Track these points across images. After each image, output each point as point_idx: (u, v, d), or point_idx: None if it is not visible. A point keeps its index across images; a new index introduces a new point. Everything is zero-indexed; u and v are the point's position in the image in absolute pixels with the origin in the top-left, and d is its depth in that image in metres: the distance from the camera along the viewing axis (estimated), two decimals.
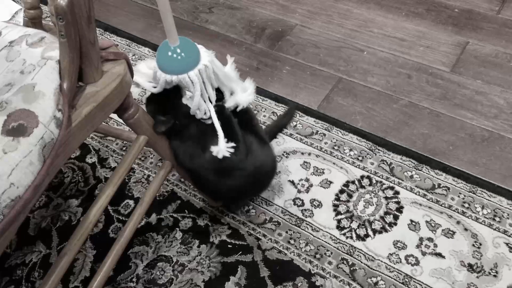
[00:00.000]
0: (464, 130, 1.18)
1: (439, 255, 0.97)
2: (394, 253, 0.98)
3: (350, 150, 1.16)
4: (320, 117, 1.24)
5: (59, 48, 0.63)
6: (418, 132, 1.19)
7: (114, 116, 1.25)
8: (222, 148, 0.83)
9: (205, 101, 0.83)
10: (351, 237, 1.01)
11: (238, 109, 0.89)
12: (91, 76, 0.68)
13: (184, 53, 0.78)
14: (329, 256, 0.98)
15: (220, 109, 0.86)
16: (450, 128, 1.19)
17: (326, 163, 1.14)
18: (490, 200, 1.04)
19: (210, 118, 0.85)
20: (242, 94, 0.89)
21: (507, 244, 0.97)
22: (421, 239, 0.99)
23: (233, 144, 0.85)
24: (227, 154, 0.84)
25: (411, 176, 1.09)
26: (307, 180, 1.11)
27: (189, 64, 0.79)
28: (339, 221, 1.04)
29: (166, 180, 1.14)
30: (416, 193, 1.06)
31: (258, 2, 1.63)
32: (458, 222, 1.01)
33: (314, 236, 1.02)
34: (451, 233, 0.99)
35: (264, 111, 1.27)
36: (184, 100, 0.86)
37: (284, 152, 1.17)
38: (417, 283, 0.93)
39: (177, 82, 0.79)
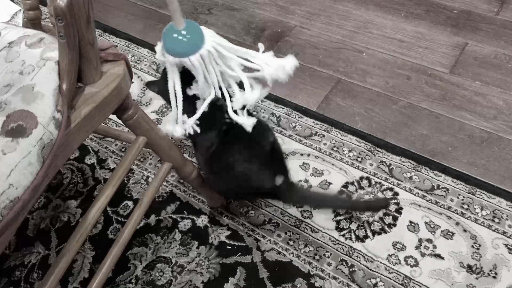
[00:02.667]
0: (463, 131, 1.18)
1: (438, 256, 0.97)
2: (393, 254, 0.98)
3: (349, 151, 1.16)
4: (319, 118, 1.24)
5: (58, 49, 0.63)
6: (417, 133, 1.19)
7: (113, 117, 1.25)
8: (188, 121, 0.83)
9: (209, 86, 0.82)
10: (350, 238, 1.01)
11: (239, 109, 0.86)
12: (90, 76, 0.68)
13: (188, 36, 0.77)
14: (328, 257, 0.98)
15: (217, 100, 0.85)
16: (449, 129, 1.19)
17: (325, 164, 1.14)
18: (489, 201, 1.04)
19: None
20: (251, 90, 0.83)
21: (506, 245, 0.97)
22: (420, 240, 0.99)
23: (196, 128, 0.84)
24: (185, 130, 0.84)
25: (410, 177, 1.09)
26: (306, 181, 1.11)
27: (191, 47, 0.77)
28: (338, 222, 1.04)
29: (165, 181, 1.14)
30: (415, 194, 1.06)
31: (257, 3, 1.63)
32: (457, 223, 1.01)
33: (313, 237, 1.02)
34: (450, 234, 0.99)
35: (263, 112, 1.27)
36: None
37: (283, 153, 1.17)
38: (416, 284, 0.93)
39: (179, 65, 0.78)
